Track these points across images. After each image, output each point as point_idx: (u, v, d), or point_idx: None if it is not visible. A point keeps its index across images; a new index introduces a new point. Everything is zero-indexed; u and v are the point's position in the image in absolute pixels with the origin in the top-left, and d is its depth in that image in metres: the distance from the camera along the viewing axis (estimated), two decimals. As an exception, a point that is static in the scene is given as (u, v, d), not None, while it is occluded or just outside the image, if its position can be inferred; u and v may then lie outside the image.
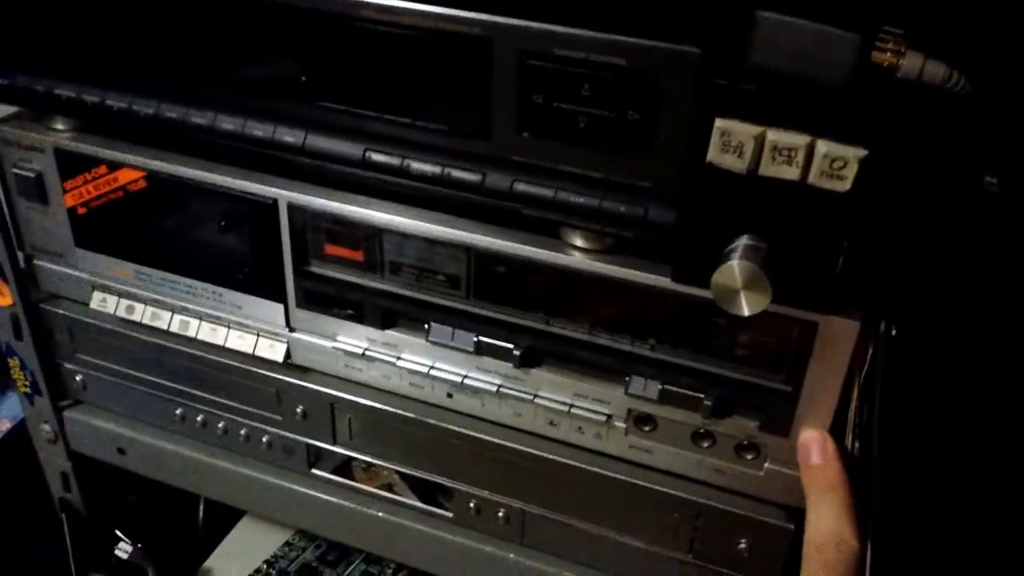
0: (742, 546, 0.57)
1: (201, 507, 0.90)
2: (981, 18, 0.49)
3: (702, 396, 0.53)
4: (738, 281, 0.44)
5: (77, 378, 0.75)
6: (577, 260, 0.52)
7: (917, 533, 0.54)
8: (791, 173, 0.43)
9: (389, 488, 0.68)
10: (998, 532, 0.53)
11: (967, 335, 0.50)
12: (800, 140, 0.42)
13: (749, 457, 0.55)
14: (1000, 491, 0.53)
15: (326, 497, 0.70)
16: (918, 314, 0.50)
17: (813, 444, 0.51)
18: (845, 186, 0.42)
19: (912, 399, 0.51)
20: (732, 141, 0.43)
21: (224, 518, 0.90)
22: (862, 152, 0.42)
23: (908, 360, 0.49)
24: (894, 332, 0.49)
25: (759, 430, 0.53)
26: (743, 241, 0.45)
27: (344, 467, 0.70)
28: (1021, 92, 0.49)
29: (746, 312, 0.45)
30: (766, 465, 0.54)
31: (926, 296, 0.50)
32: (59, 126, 0.64)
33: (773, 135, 0.43)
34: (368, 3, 0.49)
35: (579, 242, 0.53)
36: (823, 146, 0.42)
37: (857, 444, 0.51)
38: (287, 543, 0.89)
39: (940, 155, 0.49)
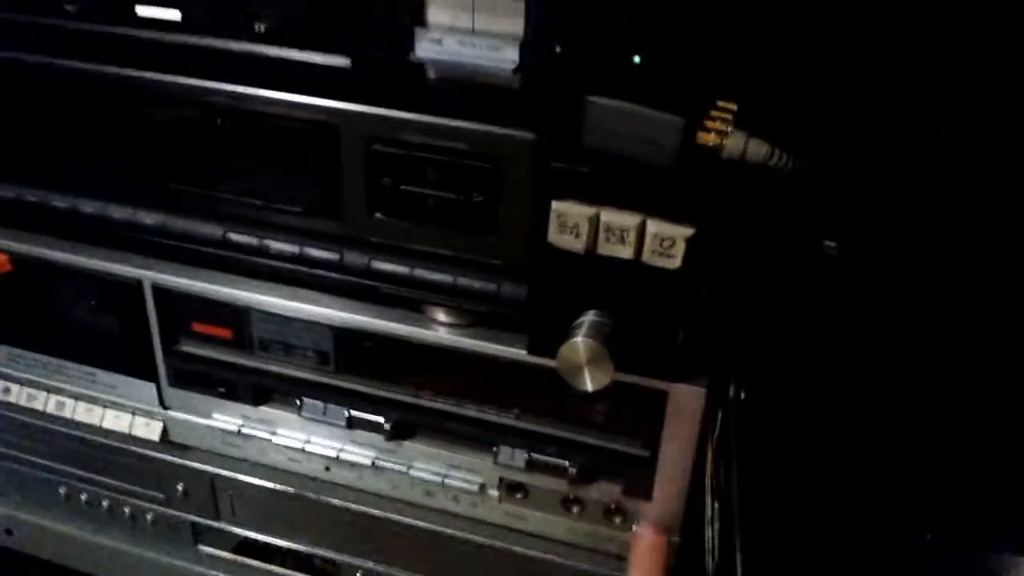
0: (620, 607, 0.58)
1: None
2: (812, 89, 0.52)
3: (566, 464, 0.54)
4: (581, 357, 0.45)
5: (-47, 461, 0.73)
6: (439, 335, 0.53)
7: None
8: (625, 252, 0.44)
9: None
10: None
11: (814, 393, 0.52)
12: (631, 221, 0.44)
13: (618, 521, 0.55)
14: (856, 539, 0.55)
15: (214, 573, 0.69)
16: (766, 377, 0.51)
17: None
18: (675, 264, 0.44)
19: (766, 458, 0.52)
20: (568, 222, 0.45)
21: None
22: (688, 231, 0.43)
23: (759, 421, 0.51)
24: (743, 396, 0.50)
25: (623, 494, 0.54)
26: (588, 317, 0.46)
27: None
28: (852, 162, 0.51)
29: (589, 388, 0.46)
30: (634, 527, 0.55)
31: (773, 358, 0.52)
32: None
33: (606, 216, 0.44)
34: (221, 90, 0.49)
35: (441, 317, 0.53)
36: (652, 226, 0.43)
37: (717, 504, 0.53)
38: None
39: (779, 225, 0.51)
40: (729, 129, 0.45)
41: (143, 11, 0.50)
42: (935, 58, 0.52)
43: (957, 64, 0.52)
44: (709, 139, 0.45)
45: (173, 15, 0.49)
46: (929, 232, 0.55)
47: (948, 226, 0.55)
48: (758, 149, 0.45)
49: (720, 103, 0.48)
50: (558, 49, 0.48)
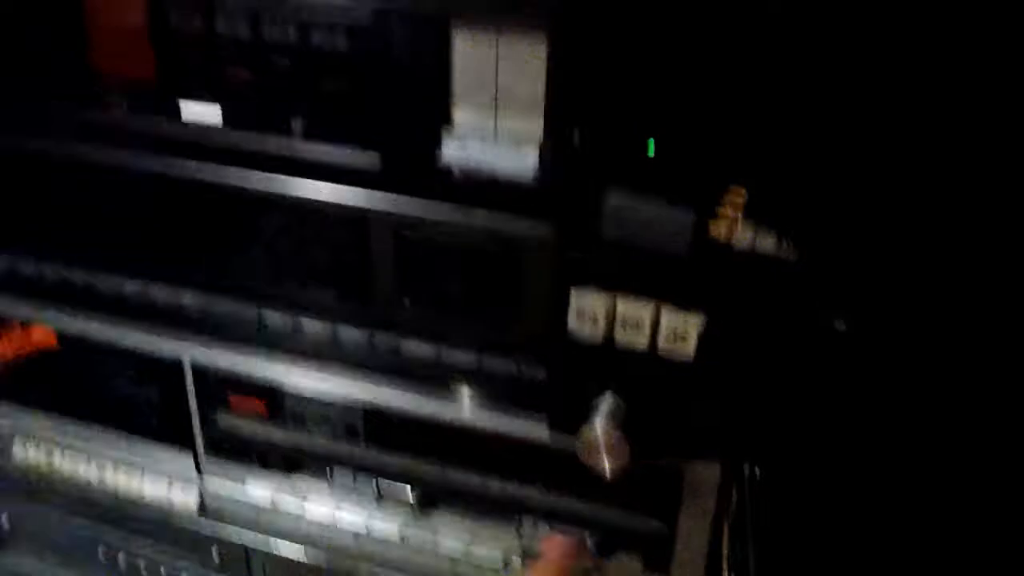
0: None
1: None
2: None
3: (587, 538, 0.55)
4: (600, 444, 0.47)
5: (1, 521, 0.76)
6: (464, 413, 0.55)
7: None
8: (641, 340, 0.46)
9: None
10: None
11: (827, 471, 0.53)
12: (646, 312, 0.46)
13: (638, 593, 0.57)
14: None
15: (246, 636, 0.71)
16: (781, 454, 0.53)
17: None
18: (689, 351, 0.46)
19: (782, 534, 0.54)
20: (586, 312, 0.47)
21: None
22: (701, 320, 0.45)
23: (775, 499, 0.52)
24: (758, 473, 0.52)
25: (643, 570, 0.55)
26: (606, 400, 0.48)
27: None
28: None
29: (608, 472, 0.47)
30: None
31: (786, 437, 0.53)
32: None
33: (622, 307, 0.46)
34: (261, 181, 0.52)
35: (466, 395, 0.55)
36: (666, 316, 0.45)
37: (734, 579, 0.54)
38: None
39: (790, 305, 0.53)
40: (739, 219, 0.47)
41: (186, 108, 0.53)
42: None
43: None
44: (720, 232, 0.47)
45: (215, 112, 0.53)
46: (944, 302, 0.57)
47: (962, 294, 0.56)
48: (766, 242, 0.47)
49: (732, 189, 0.50)
50: (576, 138, 0.51)
